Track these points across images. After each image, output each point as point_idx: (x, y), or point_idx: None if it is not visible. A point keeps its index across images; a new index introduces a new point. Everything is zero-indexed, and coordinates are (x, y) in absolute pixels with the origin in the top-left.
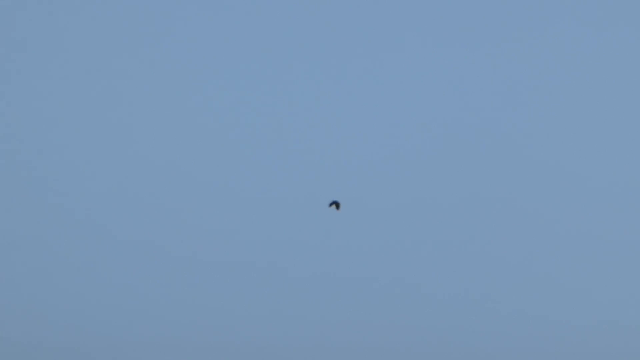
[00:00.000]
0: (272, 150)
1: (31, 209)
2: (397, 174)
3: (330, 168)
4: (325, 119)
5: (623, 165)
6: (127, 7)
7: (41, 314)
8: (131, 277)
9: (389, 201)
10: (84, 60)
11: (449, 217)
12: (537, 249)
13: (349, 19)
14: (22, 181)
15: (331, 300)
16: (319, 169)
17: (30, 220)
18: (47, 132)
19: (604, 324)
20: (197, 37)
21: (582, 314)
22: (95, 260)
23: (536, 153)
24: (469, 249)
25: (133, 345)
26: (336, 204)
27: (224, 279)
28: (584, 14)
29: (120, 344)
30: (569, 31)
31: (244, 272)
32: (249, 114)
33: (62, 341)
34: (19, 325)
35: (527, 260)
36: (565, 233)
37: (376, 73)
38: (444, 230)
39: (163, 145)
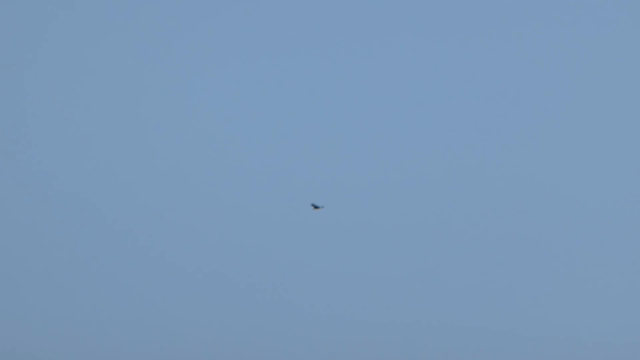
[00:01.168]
0: (267, 159)
1: (28, 208)
2: (395, 187)
3: (329, 178)
4: (324, 127)
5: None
6: (130, 7)
7: (37, 323)
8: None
9: (383, 213)
10: (84, 60)
11: (445, 231)
12: (539, 263)
13: (349, 23)
14: (19, 182)
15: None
16: (315, 178)
17: (26, 220)
18: (45, 132)
19: (604, 342)
20: (197, 41)
21: (583, 334)
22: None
23: (538, 171)
24: (466, 269)
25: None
26: (315, 206)
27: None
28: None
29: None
30: (570, 38)
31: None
32: (250, 121)
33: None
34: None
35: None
36: (568, 253)
37: (374, 80)
38: (439, 242)
39: (159, 151)
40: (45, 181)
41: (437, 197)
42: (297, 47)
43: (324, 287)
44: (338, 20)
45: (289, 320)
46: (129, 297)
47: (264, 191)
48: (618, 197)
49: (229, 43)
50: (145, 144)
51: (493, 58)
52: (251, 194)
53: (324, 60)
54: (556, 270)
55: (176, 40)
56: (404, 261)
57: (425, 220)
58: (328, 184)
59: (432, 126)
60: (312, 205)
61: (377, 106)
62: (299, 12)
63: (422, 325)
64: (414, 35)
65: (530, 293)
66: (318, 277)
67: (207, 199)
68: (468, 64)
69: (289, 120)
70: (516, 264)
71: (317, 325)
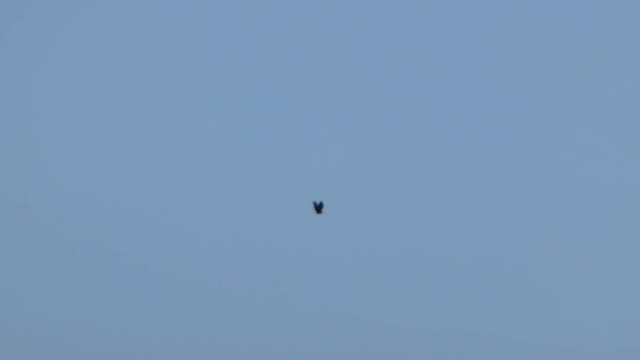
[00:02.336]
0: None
1: (14, 219)
2: (393, 181)
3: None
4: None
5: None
6: (125, 5)
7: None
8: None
9: (384, 208)
10: (80, 64)
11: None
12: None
13: (351, 19)
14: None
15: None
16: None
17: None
18: (39, 135)
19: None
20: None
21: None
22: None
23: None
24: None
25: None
26: (317, 208)
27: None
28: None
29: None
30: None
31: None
32: (246, 123)
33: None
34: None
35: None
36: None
37: (374, 79)
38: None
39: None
40: (43, 181)
41: (439, 197)
42: (295, 46)
43: (325, 290)
44: (339, 16)
45: (290, 325)
46: (126, 299)
47: (263, 192)
48: (627, 198)
49: (227, 40)
50: (139, 143)
51: (494, 55)
52: (250, 196)
53: (324, 58)
54: (561, 272)
55: (173, 35)
56: (404, 263)
57: (426, 219)
58: (328, 183)
59: (434, 125)
60: (317, 207)
61: (375, 106)
62: (299, 10)
63: (422, 329)
64: (414, 31)
65: (536, 296)
66: (318, 280)
67: (207, 200)
68: (469, 61)
69: (285, 118)
70: (521, 266)
71: (319, 329)
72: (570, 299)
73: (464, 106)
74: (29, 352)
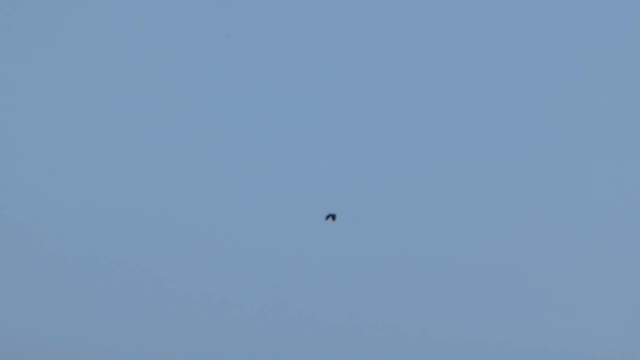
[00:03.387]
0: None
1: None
2: (395, 185)
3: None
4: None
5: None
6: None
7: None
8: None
9: (384, 212)
10: (81, 67)
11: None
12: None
13: (353, 21)
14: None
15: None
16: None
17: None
18: (38, 136)
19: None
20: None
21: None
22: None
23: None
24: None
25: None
26: (332, 216)
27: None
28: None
29: None
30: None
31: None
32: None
33: None
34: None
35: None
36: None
37: (374, 77)
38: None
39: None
40: (37, 182)
41: (438, 200)
42: (297, 47)
43: (325, 294)
44: (341, 18)
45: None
46: (124, 303)
47: (262, 195)
48: (626, 200)
49: (227, 39)
50: (138, 144)
51: (496, 59)
52: (251, 198)
53: (326, 59)
54: (562, 276)
55: (171, 34)
56: (405, 266)
57: (426, 222)
58: (328, 186)
59: (434, 128)
60: (330, 216)
61: (379, 109)
62: (300, 12)
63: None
64: (415, 34)
65: (537, 301)
66: (319, 283)
67: (207, 203)
68: (471, 65)
69: (284, 121)
70: (522, 270)
71: (319, 334)
72: (571, 302)
73: (464, 110)
74: None
